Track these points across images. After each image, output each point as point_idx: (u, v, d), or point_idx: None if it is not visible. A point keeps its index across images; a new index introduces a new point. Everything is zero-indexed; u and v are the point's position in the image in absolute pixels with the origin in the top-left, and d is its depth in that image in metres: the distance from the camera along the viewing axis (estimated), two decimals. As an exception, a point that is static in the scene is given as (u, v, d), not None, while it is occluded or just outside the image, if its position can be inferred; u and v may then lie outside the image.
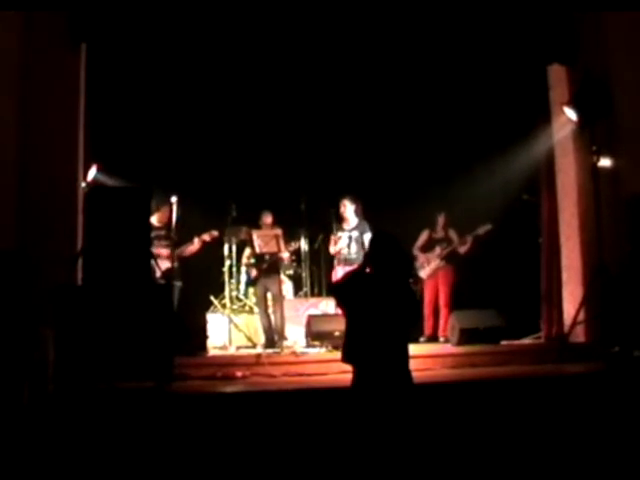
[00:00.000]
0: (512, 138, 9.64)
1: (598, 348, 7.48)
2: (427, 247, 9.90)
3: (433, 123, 10.45)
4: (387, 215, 9.51)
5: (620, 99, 7.95)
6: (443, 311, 9.63)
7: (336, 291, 5.66)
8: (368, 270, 5.23)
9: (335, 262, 9.66)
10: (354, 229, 9.46)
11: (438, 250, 9.80)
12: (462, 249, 9.72)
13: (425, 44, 8.60)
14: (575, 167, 8.86)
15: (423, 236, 10.00)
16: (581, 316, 7.95)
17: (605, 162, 8.04)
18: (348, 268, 8.28)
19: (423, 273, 9.79)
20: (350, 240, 9.43)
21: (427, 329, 9.70)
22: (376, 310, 5.01)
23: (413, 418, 4.90)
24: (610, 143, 8.12)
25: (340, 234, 9.49)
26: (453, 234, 9.85)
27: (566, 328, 8.45)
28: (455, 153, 10.52)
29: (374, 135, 10.60)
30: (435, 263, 9.78)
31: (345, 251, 9.43)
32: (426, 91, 9.95)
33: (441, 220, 9.94)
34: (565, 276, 9.06)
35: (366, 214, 9.55)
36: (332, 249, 9.60)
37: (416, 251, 9.87)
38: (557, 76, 9.14)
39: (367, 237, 9.06)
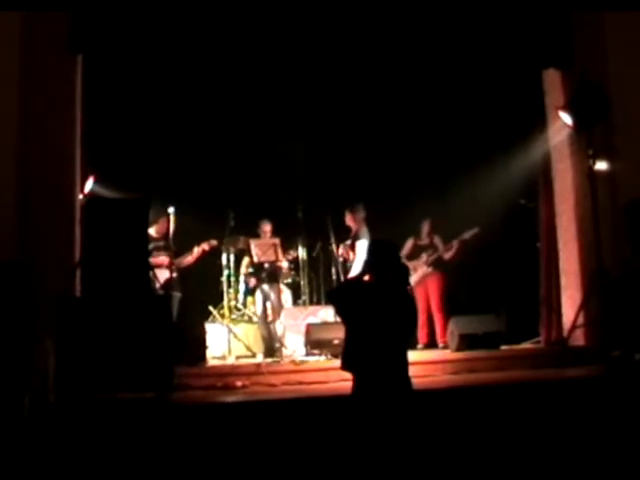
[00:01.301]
0: (508, 143, 9.67)
1: (598, 352, 7.49)
2: (413, 255, 9.87)
3: (429, 128, 10.46)
4: (384, 221, 9.53)
5: (616, 103, 7.96)
6: (437, 317, 9.61)
7: (335, 299, 5.66)
8: (367, 277, 5.23)
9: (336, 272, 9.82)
10: (350, 238, 9.55)
11: (424, 257, 9.81)
12: (447, 254, 9.74)
13: (420, 50, 8.62)
14: (572, 171, 8.87)
15: (408, 244, 9.99)
16: (580, 320, 7.95)
17: (602, 166, 8.06)
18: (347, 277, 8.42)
19: (411, 280, 9.76)
20: (344, 249, 9.54)
21: (422, 337, 9.62)
22: (375, 317, 5.01)
23: (413, 425, 4.90)
24: (607, 147, 8.14)
25: (339, 244, 9.66)
26: (438, 241, 9.87)
27: (565, 332, 8.45)
28: (452, 159, 10.53)
29: (370, 142, 10.61)
30: (422, 270, 9.78)
31: (342, 260, 9.61)
32: (421, 98, 9.99)
33: (426, 227, 9.97)
34: (564, 280, 9.06)
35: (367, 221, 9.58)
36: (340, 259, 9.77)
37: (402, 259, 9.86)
38: (552, 81, 9.16)
39: (360, 244, 9.10)
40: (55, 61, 7.72)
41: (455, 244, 9.68)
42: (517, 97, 9.43)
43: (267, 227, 9.71)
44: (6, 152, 7.33)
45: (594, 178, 7.85)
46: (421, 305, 9.68)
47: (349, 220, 9.58)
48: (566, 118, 8.21)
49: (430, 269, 9.78)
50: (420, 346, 9.56)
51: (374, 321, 5.02)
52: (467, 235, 9.60)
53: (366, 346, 5.01)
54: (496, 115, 9.88)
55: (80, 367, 6.07)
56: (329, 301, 8.41)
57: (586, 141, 7.94)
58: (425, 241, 9.95)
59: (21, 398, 5.61)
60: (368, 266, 5.28)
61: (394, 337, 5.05)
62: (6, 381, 5.70)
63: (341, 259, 9.63)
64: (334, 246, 9.70)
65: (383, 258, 5.19)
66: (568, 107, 8.18)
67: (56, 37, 7.73)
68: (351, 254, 9.40)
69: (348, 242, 9.50)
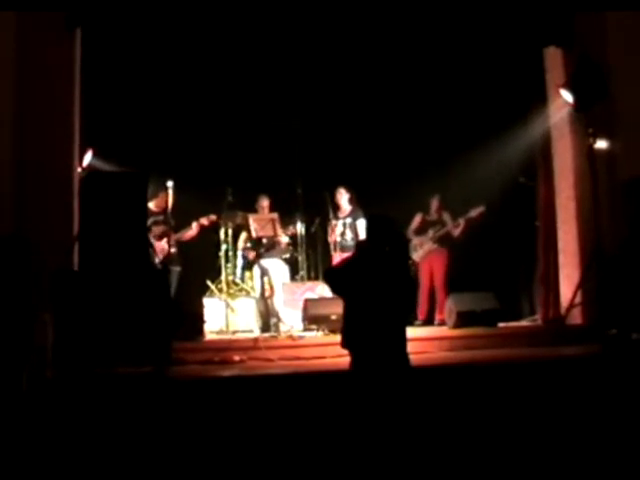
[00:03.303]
0: (508, 121, 9.60)
1: (595, 330, 7.51)
2: (420, 230, 9.92)
3: (429, 106, 10.39)
4: (383, 198, 9.52)
5: (616, 82, 7.94)
6: (440, 294, 9.65)
7: (332, 277, 5.66)
8: (365, 254, 5.24)
9: (332, 250, 9.74)
10: (347, 216, 9.66)
11: (431, 233, 9.84)
12: (455, 232, 9.76)
13: (420, 26, 8.58)
14: (572, 150, 8.84)
15: (416, 219, 10.03)
16: (578, 299, 7.97)
17: (602, 145, 8.03)
18: (344, 255, 8.44)
19: (416, 256, 9.81)
20: (345, 227, 9.60)
21: (421, 313, 9.69)
22: (374, 293, 5.02)
23: (411, 401, 4.92)
24: (607, 126, 8.11)
25: (335, 222, 9.65)
26: (447, 217, 9.89)
27: (563, 311, 8.48)
28: (451, 136, 10.47)
29: (370, 119, 10.54)
30: (428, 246, 9.81)
31: (339, 239, 9.60)
32: (422, 74, 9.89)
33: (435, 203, 9.98)
34: (562, 259, 9.05)
35: (362, 199, 9.72)
36: (330, 237, 9.75)
37: (410, 234, 9.89)
38: (553, 59, 9.10)
39: (360, 223, 9.34)
40: (53, 35, 7.67)
41: (462, 222, 9.69)
42: (518, 75, 9.36)
43: (265, 202, 9.73)
44: (4, 126, 7.30)
45: (594, 157, 7.83)
46: (425, 281, 9.74)
47: (347, 199, 9.70)
48: (567, 96, 8.18)
49: (435, 245, 9.82)
50: (418, 322, 9.59)
51: (372, 297, 5.03)
52: (474, 213, 9.62)
53: (364, 322, 5.03)
54: (496, 93, 9.81)
55: (78, 341, 6.08)
56: (325, 280, 8.42)
57: (586, 120, 7.92)
58: (434, 217, 9.98)
59: (19, 373, 5.62)
60: (366, 241, 5.29)
61: (392, 313, 5.07)
62: (4, 356, 5.71)
63: (333, 238, 9.65)
64: (332, 222, 9.69)
65: (380, 233, 5.19)
66: (568, 85, 8.15)
67: (53, 11, 7.66)
68: (348, 231, 9.46)
69: (348, 221, 9.57)
